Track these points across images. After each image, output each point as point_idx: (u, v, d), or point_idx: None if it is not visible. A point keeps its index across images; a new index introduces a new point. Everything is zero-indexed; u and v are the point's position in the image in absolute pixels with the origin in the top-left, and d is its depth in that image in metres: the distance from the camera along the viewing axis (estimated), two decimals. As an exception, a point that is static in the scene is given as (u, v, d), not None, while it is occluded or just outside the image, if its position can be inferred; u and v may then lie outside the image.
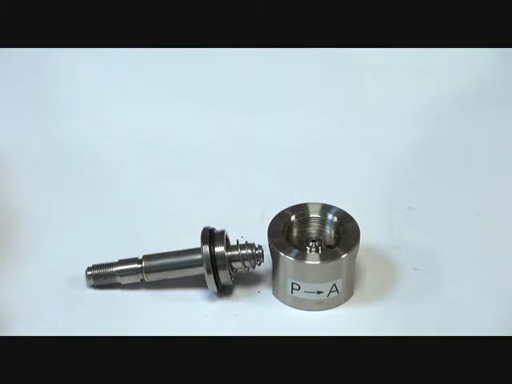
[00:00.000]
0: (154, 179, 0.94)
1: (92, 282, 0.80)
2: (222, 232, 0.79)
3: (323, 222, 0.81)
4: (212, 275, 0.77)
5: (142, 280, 0.80)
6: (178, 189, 0.93)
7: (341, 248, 0.77)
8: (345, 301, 0.80)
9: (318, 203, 0.82)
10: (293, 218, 0.81)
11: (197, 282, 0.80)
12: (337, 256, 0.77)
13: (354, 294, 0.80)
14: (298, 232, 0.82)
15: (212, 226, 0.80)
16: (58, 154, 0.97)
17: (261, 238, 0.79)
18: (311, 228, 0.82)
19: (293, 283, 0.78)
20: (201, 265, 0.78)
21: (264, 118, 1.02)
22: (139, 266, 0.79)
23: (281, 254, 0.77)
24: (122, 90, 1.06)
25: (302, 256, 0.77)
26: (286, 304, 0.79)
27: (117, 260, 0.80)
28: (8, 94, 1.06)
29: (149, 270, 0.79)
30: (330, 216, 0.81)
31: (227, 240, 0.80)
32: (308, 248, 0.79)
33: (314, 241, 0.80)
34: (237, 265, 0.79)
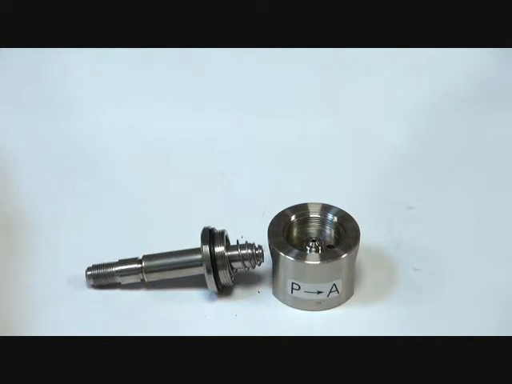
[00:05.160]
0: (153, 179, 0.94)
1: (92, 281, 0.80)
2: (222, 232, 0.79)
3: (323, 222, 0.81)
4: (212, 275, 0.77)
5: (142, 280, 0.80)
6: (179, 189, 0.93)
7: (341, 248, 0.78)
8: (345, 301, 0.80)
9: (318, 203, 0.82)
10: (293, 218, 0.81)
11: (197, 282, 0.80)
12: (337, 256, 0.77)
13: (354, 294, 0.80)
14: (298, 232, 0.82)
15: (212, 226, 0.80)
16: (57, 155, 0.97)
17: (261, 238, 0.79)
18: (311, 228, 0.82)
19: (293, 283, 0.78)
20: (201, 265, 0.78)
21: (264, 118, 1.02)
22: (139, 266, 0.79)
23: (281, 254, 0.77)
24: (123, 90, 1.06)
25: (302, 256, 0.77)
26: (286, 304, 0.79)
27: (117, 260, 0.80)
28: (10, 94, 1.06)
29: (149, 270, 0.79)
30: (330, 216, 0.81)
31: (227, 240, 0.80)
32: (308, 248, 0.80)
33: (314, 241, 0.80)
34: (237, 265, 0.79)
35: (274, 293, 0.81)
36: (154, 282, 0.80)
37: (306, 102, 1.05)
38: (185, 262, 0.79)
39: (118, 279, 0.80)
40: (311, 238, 0.81)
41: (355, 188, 0.93)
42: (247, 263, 0.79)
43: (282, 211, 0.82)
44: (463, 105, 1.05)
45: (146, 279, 0.80)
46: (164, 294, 0.80)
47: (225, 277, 0.78)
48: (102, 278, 0.80)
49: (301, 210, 0.82)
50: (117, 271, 0.80)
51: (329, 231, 0.82)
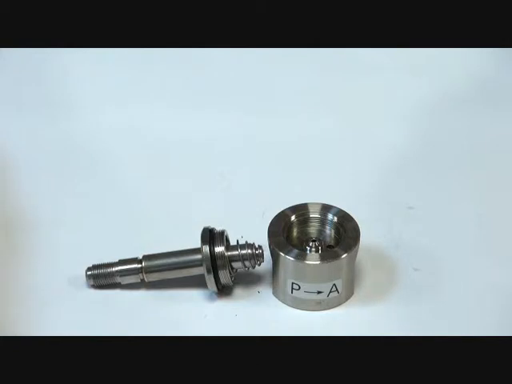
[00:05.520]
0: (153, 179, 0.94)
1: (92, 282, 0.80)
2: (222, 232, 0.79)
3: (323, 221, 0.81)
4: (212, 275, 0.77)
5: (142, 280, 0.80)
6: (179, 189, 0.93)
7: (341, 248, 0.78)
8: (345, 301, 0.80)
9: (318, 203, 0.82)
10: (293, 218, 0.81)
11: (197, 282, 0.80)
12: (337, 256, 0.77)
13: (354, 294, 0.80)
14: (298, 232, 0.82)
15: (212, 226, 0.80)
16: (57, 155, 0.97)
17: (261, 238, 0.79)
18: (311, 228, 0.82)
19: (293, 283, 0.78)
20: (201, 265, 0.78)
21: (264, 118, 1.02)
22: (139, 266, 0.79)
23: (281, 254, 0.77)
24: (123, 90, 1.06)
25: (302, 256, 0.77)
26: (286, 304, 0.79)
27: (117, 260, 0.80)
28: (10, 94, 1.06)
29: (149, 270, 0.79)
30: (329, 216, 0.81)
31: (227, 240, 0.80)
32: (308, 248, 0.80)
33: (314, 241, 0.80)
34: (237, 265, 0.79)
35: (274, 293, 0.81)
36: (154, 281, 0.80)
37: (305, 101, 1.05)
38: (185, 262, 0.79)
39: (118, 279, 0.80)
40: (311, 237, 0.81)
41: (355, 188, 0.93)
42: (247, 263, 0.79)
43: (282, 211, 0.81)
44: (463, 105, 1.05)
45: (146, 279, 0.80)
46: (164, 293, 0.80)
47: (225, 277, 0.78)
48: (102, 277, 0.80)
49: (301, 210, 0.82)
50: (117, 271, 0.80)
51: (329, 231, 0.81)
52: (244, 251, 0.78)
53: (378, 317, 0.78)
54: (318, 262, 0.76)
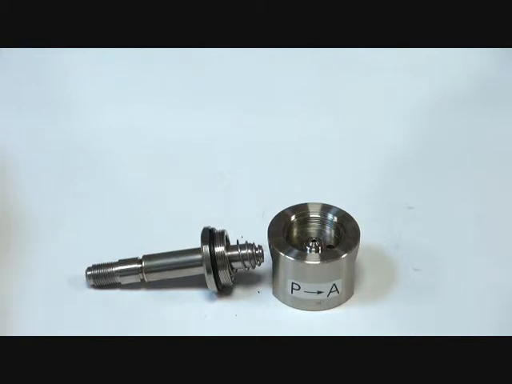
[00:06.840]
0: (153, 179, 0.94)
1: (92, 282, 0.80)
2: (222, 232, 0.79)
3: (323, 221, 0.81)
4: (212, 275, 0.77)
5: (142, 280, 0.80)
6: (179, 189, 0.93)
7: (341, 248, 0.78)
8: (345, 301, 0.80)
9: (318, 203, 0.82)
10: (293, 218, 0.81)
11: (197, 282, 0.80)
12: (337, 256, 0.77)
13: (354, 294, 0.80)
14: (298, 232, 0.82)
15: (212, 226, 0.80)
16: (57, 155, 0.97)
17: (261, 238, 0.79)
18: (311, 228, 0.82)
19: (293, 283, 0.78)
20: (201, 265, 0.78)
21: (264, 118, 1.02)
22: (139, 266, 0.79)
23: (281, 254, 0.77)
24: (123, 90, 1.06)
25: (302, 256, 0.77)
26: (286, 304, 0.79)
27: (117, 260, 0.80)
28: (10, 94, 1.06)
29: (149, 270, 0.79)
30: (329, 216, 0.81)
31: (227, 240, 0.80)
32: (308, 248, 0.80)
33: (314, 241, 0.80)
34: (237, 265, 0.79)
35: (274, 293, 0.81)
36: (154, 282, 0.80)
37: (306, 101, 1.05)
38: (185, 262, 0.79)
39: (118, 279, 0.80)
40: (311, 237, 0.81)
41: (355, 188, 0.93)
42: (247, 263, 0.79)
43: (282, 211, 0.82)
44: (463, 105, 1.05)
45: (146, 279, 0.80)
46: (164, 293, 0.80)
47: (225, 277, 0.78)
48: (102, 277, 0.80)
49: (301, 210, 0.82)
50: (117, 271, 0.80)
51: (329, 231, 0.82)
52: (244, 251, 0.78)
53: (378, 317, 0.78)
54: (318, 262, 0.76)
